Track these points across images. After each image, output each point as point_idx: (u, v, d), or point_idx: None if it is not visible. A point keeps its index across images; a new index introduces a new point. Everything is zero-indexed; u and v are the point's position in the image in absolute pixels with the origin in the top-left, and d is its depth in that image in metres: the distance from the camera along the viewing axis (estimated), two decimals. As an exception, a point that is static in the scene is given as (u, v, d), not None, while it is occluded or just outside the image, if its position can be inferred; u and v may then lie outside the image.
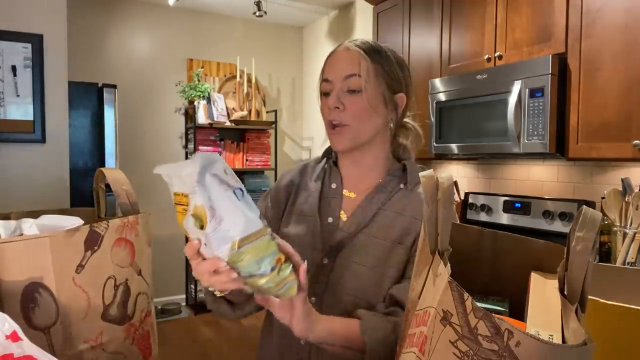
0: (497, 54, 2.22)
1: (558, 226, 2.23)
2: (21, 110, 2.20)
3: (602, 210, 1.60)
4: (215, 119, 3.79)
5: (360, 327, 0.74)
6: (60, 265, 0.84)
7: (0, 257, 0.81)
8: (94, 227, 0.90)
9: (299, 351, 0.86)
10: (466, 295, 0.44)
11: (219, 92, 4.04)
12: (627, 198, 1.53)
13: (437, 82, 2.47)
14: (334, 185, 0.95)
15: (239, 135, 4.18)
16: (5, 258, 0.81)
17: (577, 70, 1.91)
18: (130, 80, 3.85)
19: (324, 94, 0.91)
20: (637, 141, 1.70)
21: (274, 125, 4.08)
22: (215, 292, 0.66)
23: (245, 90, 3.99)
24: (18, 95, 2.19)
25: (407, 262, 0.84)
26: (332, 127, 0.89)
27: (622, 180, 1.55)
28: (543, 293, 0.55)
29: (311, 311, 0.71)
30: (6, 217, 1.05)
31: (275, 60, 4.51)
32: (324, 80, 0.91)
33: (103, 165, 2.91)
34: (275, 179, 4.11)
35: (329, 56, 0.93)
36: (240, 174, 4.20)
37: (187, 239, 0.63)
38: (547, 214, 2.27)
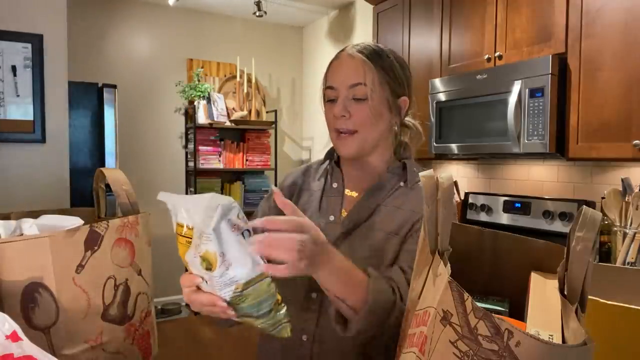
0: (497, 54, 2.22)
1: (558, 226, 2.23)
2: (21, 110, 2.20)
3: (602, 210, 1.60)
4: (215, 119, 3.79)
5: (369, 286, 0.72)
6: (60, 265, 0.84)
7: (0, 257, 0.81)
8: (94, 227, 0.90)
9: (300, 348, 0.86)
10: (466, 295, 0.44)
11: (219, 92, 4.04)
12: (627, 198, 1.53)
13: (437, 82, 2.47)
14: (335, 185, 0.96)
15: (239, 135, 4.18)
16: (5, 258, 0.81)
17: (577, 70, 1.91)
18: (130, 80, 3.85)
19: (329, 101, 0.92)
20: (637, 141, 1.70)
21: (274, 125, 4.08)
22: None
23: (245, 90, 3.99)
24: (18, 95, 2.19)
25: (399, 251, 0.85)
26: (338, 134, 0.91)
27: (622, 180, 1.55)
28: (543, 293, 0.55)
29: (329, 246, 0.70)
30: (6, 217, 1.05)
31: (275, 60, 4.51)
32: (328, 87, 0.92)
33: (103, 165, 2.91)
34: (275, 179, 4.11)
35: (332, 62, 0.93)
36: (240, 174, 4.21)
37: (185, 268, 0.64)
38: (547, 214, 2.27)
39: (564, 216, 2.21)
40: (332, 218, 0.92)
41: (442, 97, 2.43)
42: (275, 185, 4.12)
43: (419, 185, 0.89)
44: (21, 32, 2.19)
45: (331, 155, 1.01)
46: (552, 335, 0.46)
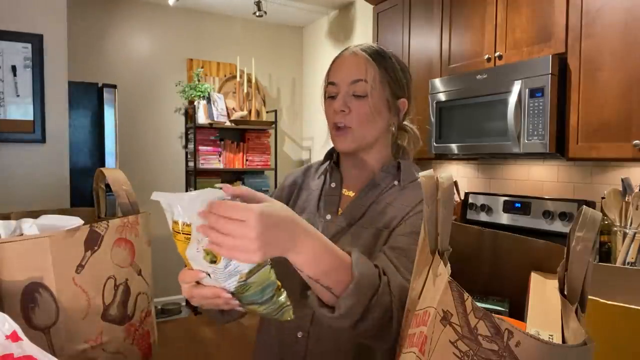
0: (497, 54, 2.22)
1: (558, 226, 2.23)
2: (21, 110, 2.21)
3: (602, 210, 1.60)
4: (215, 119, 3.79)
5: (353, 259, 0.68)
6: (60, 265, 0.84)
7: (0, 257, 0.81)
8: (94, 227, 0.90)
9: (295, 344, 0.87)
10: (466, 295, 0.44)
11: (219, 92, 4.04)
12: (627, 198, 1.53)
13: (437, 82, 2.47)
14: (333, 185, 0.98)
15: (239, 135, 4.18)
16: (5, 258, 0.81)
17: (577, 70, 1.91)
18: (130, 80, 3.85)
19: (330, 97, 0.94)
20: (637, 141, 1.70)
21: (274, 125, 4.08)
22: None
23: (245, 90, 3.99)
24: (18, 95, 2.19)
25: (386, 241, 0.84)
26: (336, 128, 0.92)
27: (622, 180, 1.55)
28: (543, 293, 0.55)
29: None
30: (6, 217, 1.06)
31: (275, 60, 4.51)
32: (329, 83, 0.94)
33: (103, 165, 2.91)
34: (275, 179, 4.11)
35: (335, 60, 0.95)
36: (240, 174, 4.21)
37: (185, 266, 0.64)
38: (547, 214, 2.27)
39: (564, 216, 2.21)
40: (328, 217, 0.93)
41: (442, 97, 2.43)
42: (276, 185, 4.11)
43: (412, 184, 0.91)
44: (21, 32, 2.19)
45: (330, 155, 1.03)
46: (552, 335, 0.46)
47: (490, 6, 2.27)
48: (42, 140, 2.25)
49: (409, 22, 2.80)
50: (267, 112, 4.26)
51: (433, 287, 0.51)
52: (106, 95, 2.93)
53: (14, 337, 0.58)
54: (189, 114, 4.00)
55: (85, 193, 2.53)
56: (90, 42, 3.69)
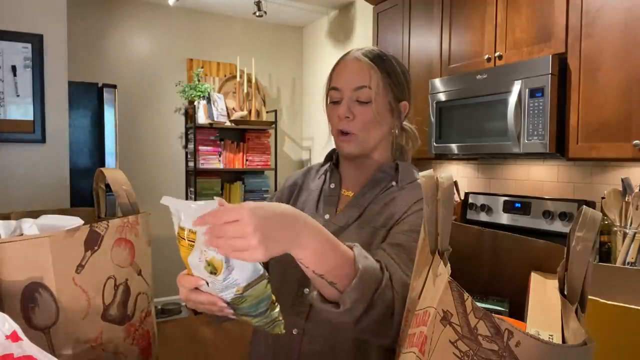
0: (497, 54, 2.22)
1: (558, 226, 2.23)
2: (21, 110, 2.21)
3: (602, 210, 1.60)
4: (215, 119, 3.79)
5: (355, 253, 0.67)
6: (60, 265, 0.84)
7: (0, 257, 0.81)
8: (94, 227, 0.90)
9: (290, 342, 0.88)
10: (466, 295, 0.44)
11: (219, 92, 4.04)
12: (627, 198, 1.53)
13: (437, 82, 2.47)
14: (332, 185, 0.99)
15: (239, 135, 4.18)
16: (5, 258, 0.81)
17: (577, 70, 1.91)
18: (130, 80, 3.85)
19: (333, 102, 0.95)
20: (637, 141, 1.70)
21: (274, 125, 4.08)
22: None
23: (245, 90, 3.99)
24: (18, 95, 2.19)
25: (384, 239, 0.85)
26: (341, 134, 0.93)
27: (622, 180, 1.55)
28: (543, 293, 0.55)
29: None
30: (6, 217, 1.05)
31: (275, 60, 4.51)
32: (332, 88, 0.94)
33: (103, 165, 2.91)
34: (275, 179, 4.11)
35: (337, 64, 0.96)
36: (240, 174, 4.21)
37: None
38: (547, 214, 2.27)
39: (564, 216, 2.21)
40: (327, 217, 0.94)
41: (442, 97, 2.43)
42: (276, 188, 4.12)
43: (410, 185, 0.93)
44: (21, 32, 2.19)
45: (330, 157, 1.05)
46: (552, 335, 0.46)
47: (490, 6, 2.27)
48: (42, 140, 2.25)
49: (409, 22, 2.80)
50: (267, 112, 4.26)
51: (433, 287, 0.51)
52: (106, 95, 2.93)
53: (14, 337, 0.58)
54: (189, 114, 4.00)
55: (85, 193, 2.53)
56: (90, 42, 3.69)
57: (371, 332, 0.70)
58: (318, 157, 4.30)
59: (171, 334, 1.55)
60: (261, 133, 4.19)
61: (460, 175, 2.90)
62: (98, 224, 0.91)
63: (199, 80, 3.87)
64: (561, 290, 0.47)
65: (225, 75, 4.18)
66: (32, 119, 2.22)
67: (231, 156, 4.03)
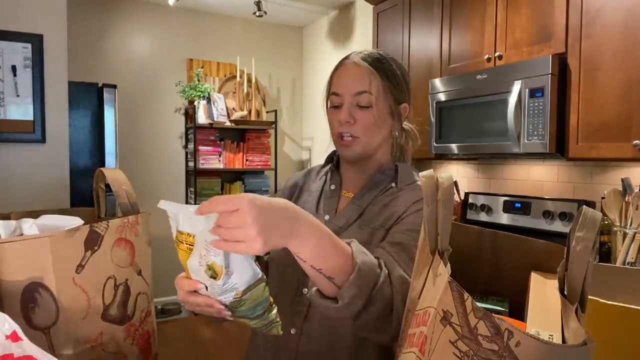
0: (497, 54, 2.22)
1: (558, 226, 2.23)
2: (21, 110, 2.21)
3: (602, 210, 1.60)
4: (215, 119, 3.79)
5: (352, 248, 0.68)
6: (60, 265, 0.84)
7: (0, 257, 0.81)
8: (94, 227, 0.90)
9: (289, 341, 0.89)
10: (466, 295, 0.44)
11: (219, 92, 4.04)
12: (627, 198, 1.53)
13: (437, 82, 2.47)
14: (333, 187, 1.00)
15: (239, 135, 4.18)
16: (5, 258, 0.81)
17: (577, 70, 1.91)
18: (130, 80, 3.85)
19: (333, 106, 0.95)
20: (637, 141, 1.70)
21: (274, 125, 4.08)
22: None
23: (245, 90, 3.99)
24: (18, 95, 2.19)
25: (383, 239, 0.85)
26: (341, 138, 0.94)
27: (622, 180, 1.55)
28: (543, 293, 0.55)
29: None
30: (6, 217, 1.05)
31: (275, 60, 4.51)
32: (333, 93, 0.95)
33: (103, 165, 2.91)
34: (275, 179, 4.11)
35: (337, 69, 0.96)
36: (240, 174, 4.21)
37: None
38: (547, 214, 2.27)
39: (564, 216, 2.21)
40: (327, 217, 0.95)
41: (442, 97, 2.43)
42: (276, 190, 4.11)
43: (409, 187, 0.93)
44: (21, 32, 2.19)
45: (331, 159, 1.06)
46: (552, 335, 0.46)
47: (490, 6, 2.27)
48: (42, 140, 2.25)
49: (409, 22, 2.80)
50: (267, 112, 4.26)
51: (433, 287, 0.51)
52: (106, 95, 2.93)
53: (14, 337, 0.58)
54: (189, 114, 4.00)
55: (85, 193, 2.53)
56: (90, 42, 3.69)
57: (370, 329, 0.70)
58: (318, 157, 4.30)
59: (171, 334, 1.55)
60: (261, 133, 4.19)
61: (460, 175, 2.90)
62: (98, 224, 0.91)
63: (199, 80, 3.87)
64: (561, 290, 0.47)
65: (225, 75, 4.18)
66: (32, 119, 2.22)
67: (231, 156, 4.03)
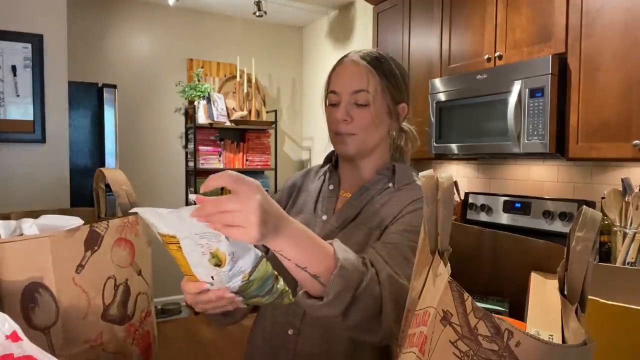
0: (497, 54, 2.22)
1: (558, 226, 2.23)
2: (21, 110, 2.21)
3: (602, 210, 1.60)
4: (215, 119, 3.79)
5: (334, 246, 0.68)
6: (60, 265, 0.84)
7: (0, 257, 0.81)
8: (94, 227, 0.90)
9: (286, 342, 0.89)
10: (466, 295, 0.44)
11: (219, 92, 4.04)
12: (627, 198, 1.53)
13: (437, 82, 2.47)
14: (331, 187, 1.00)
15: (239, 135, 4.18)
16: (5, 258, 0.81)
17: (577, 70, 1.91)
18: (130, 80, 3.85)
19: (331, 105, 0.95)
20: (637, 141, 1.70)
21: (274, 125, 4.08)
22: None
23: (245, 90, 3.99)
24: (18, 95, 2.19)
25: (379, 238, 0.85)
26: (337, 135, 0.94)
27: (622, 180, 1.55)
28: (543, 293, 0.55)
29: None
30: (6, 217, 1.05)
31: (275, 60, 4.51)
32: (331, 91, 0.95)
33: (103, 165, 2.91)
34: (275, 179, 4.11)
35: (335, 67, 0.96)
36: (240, 173, 4.20)
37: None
38: (547, 214, 2.27)
39: (564, 216, 2.21)
40: (325, 217, 0.95)
41: (442, 97, 2.43)
42: (276, 190, 4.13)
43: (407, 187, 0.93)
44: (21, 32, 2.19)
45: (330, 159, 1.06)
46: (552, 335, 0.46)
47: (490, 6, 2.27)
48: (42, 140, 2.25)
49: (409, 22, 2.80)
50: (267, 112, 4.26)
51: (433, 287, 0.51)
52: (106, 95, 2.93)
53: (14, 337, 0.58)
54: (189, 114, 4.00)
55: (85, 193, 2.53)
56: (90, 42, 3.69)
57: (359, 329, 0.70)
58: (318, 157, 4.30)
59: (171, 334, 1.55)
60: (261, 133, 4.19)
61: (460, 175, 2.90)
62: (98, 224, 0.91)
63: (199, 80, 3.87)
64: (561, 290, 0.47)
65: (225, 75, 4.18)
66: (32, 119, 2.22)
67: (231, 156, 4.04)
